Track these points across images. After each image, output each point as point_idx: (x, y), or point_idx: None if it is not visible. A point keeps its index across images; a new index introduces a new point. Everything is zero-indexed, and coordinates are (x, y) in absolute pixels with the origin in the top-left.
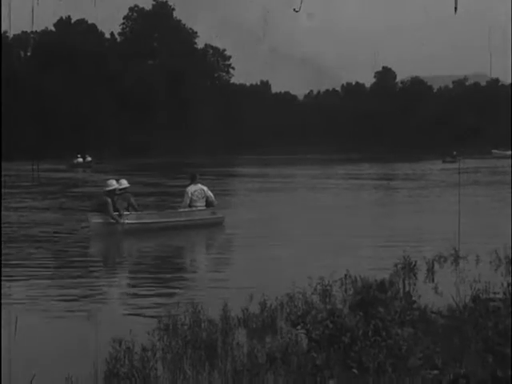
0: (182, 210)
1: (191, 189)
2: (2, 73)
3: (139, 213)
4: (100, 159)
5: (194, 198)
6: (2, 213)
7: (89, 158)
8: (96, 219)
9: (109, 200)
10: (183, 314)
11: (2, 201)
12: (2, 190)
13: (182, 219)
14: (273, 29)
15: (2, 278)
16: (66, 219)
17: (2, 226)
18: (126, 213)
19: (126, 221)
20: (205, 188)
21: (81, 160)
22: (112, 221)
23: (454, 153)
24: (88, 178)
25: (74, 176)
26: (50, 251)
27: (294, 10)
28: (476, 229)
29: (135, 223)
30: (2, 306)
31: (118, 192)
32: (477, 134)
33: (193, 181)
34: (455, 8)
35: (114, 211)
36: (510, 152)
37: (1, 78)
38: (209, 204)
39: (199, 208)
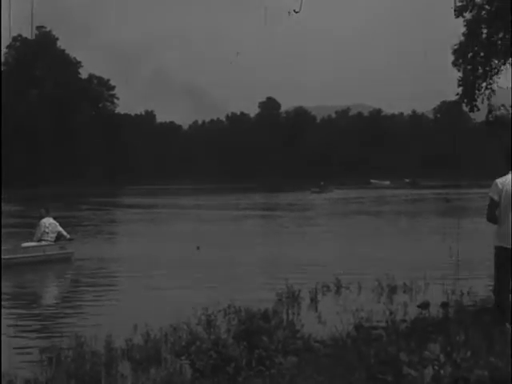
0: (31, 243)
1: (46, 222)
2: None
3: None
4: None
5: (47, 231)
6: None
7: None
8: None
9: None
10: (67, 345)
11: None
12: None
13: (35, 254)
14: (157, 57)
15: None
16: None
17: None
18: None
19: None
20: (56, 222)
21: None
22: None
23: (322, 183)
24: None
25: None
26: None
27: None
28: (355, 258)
29: None
30: None
31: None
32: (358, 164)
33: (47, 214)
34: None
35: None
36: (387, 182)
37: None
38: (58, 238)
39: (49, 242)
